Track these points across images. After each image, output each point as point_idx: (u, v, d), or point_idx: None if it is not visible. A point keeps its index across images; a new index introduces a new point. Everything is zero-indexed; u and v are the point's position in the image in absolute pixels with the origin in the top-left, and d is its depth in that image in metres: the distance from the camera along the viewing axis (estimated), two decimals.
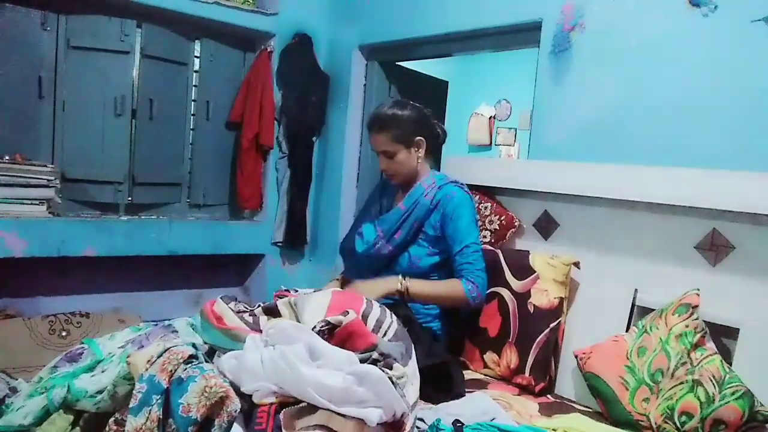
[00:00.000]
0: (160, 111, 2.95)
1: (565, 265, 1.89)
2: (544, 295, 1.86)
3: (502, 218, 2.16)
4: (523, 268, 1.93)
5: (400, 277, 1.83)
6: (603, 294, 1.88)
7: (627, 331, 1.75)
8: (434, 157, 2.09)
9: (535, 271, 1.90)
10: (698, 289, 1.64)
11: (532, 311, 1.86)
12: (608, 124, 2.06)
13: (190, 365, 1.13)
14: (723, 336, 1.64)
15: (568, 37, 2.17)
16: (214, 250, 3.07)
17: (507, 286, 1.93)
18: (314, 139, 3.33)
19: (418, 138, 1.93)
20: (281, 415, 1.07)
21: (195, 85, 3.12)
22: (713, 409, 1.45)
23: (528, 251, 1.98)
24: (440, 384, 1.64)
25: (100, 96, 2.78)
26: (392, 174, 1.96)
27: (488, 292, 1.95)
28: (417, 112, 1.94)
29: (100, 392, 1.21)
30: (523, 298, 1.89)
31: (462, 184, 1.96)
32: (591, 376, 1.67)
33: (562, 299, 1.86)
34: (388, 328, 1.35)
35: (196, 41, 3.09)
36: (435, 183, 1.94)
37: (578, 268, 1.91)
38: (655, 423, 1.53)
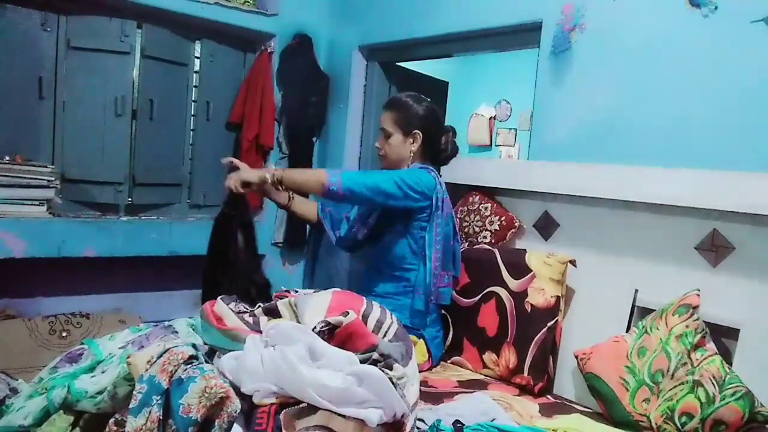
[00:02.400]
0: (161, 111, 2.95)
1: (561, 263, 1.89)
2: (540, 294, 1.86)
3: (502, 219, 2.16)
4: (519, 267, 1.93)
5: (273, 167, 1.85)
6: (603, 294, 1.88)
7: (627, 331, 1.75)
8: (436, 167, 2.10)
9: (531, 270, 1.90)
10: (698, 290, 1.64)
11: (529, 310, 1.86)
12: (608, 125, 2.06)
13: (190, 366, 1.13)
14: (723, 336, 1.64)
15: (568, 38, 2.17)
16: None
17: (504, 285, 1.93)
18: (314, 139, 3.33)
19: (416, 131, 1.98)
20: (281, 416, 1.07)
21: (195, 86, 3.12)
22: (713, 410, 1.45)
23: (525, 250, 1.99)
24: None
25: (100, 96, 2.78)
26: (382, 155, 2.04)
27: (486, 291, 1.96)
28: (428, 111, 2.00)
29: (100, 393, 1.21)
30: (520, 297, 1.89)
31: (432, 169, 1.98)
32: (591, 376, 1.67)
33: (558, 298, 1.86)
34: (389, 328, 1.35)
35: (197, 42, 3.09)
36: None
37: (575, 266, 1.91)
38: (656, 423, 1.53)
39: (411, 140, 1.98)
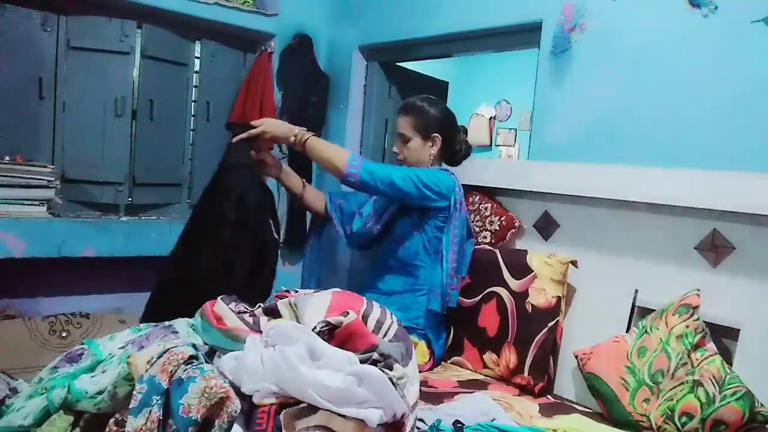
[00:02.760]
0: (161, 112, 2.95)
1: (563, 264, 1.89)
2: (541, 294, 1.86)
3: (502, 219, 2.16)
4: (520, 267, 1.93)
5: (303, 129, 1.85)
6: (603, 294, 1.88)
7: (627, 331, 1.75)
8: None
9: (532, 271, 1.90)
10: (698, 290, 1.64)
11: (530, 311, 1.86)
12: (609, 125, 2.06)
13: (190, 366, 1.13)
14: (723, 336, 1.64)
15: (569, 38, 2.17)
16: None
17: (505, 285, 1.93)
18: None
19: (435, 134, 1.98)
20: (281, 416, 1.07)
21: (195, 86, 3.12)
22: (714, 410, 1.45)
23: (526, 250, 1.99)
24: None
25: (100, 97, 2.78)
26: (401, 159, 2.02)
27: (486, 291, 1.96)
28: (444, 114, 2.02)
29: (100, 393, 1.21)
30: (521, 297, 1.89)
31: (452, 173, 2.01)
32: (591, 376, 1.67)
33: (559, 298, 1.86)
34: (389, 328, 1.35)
35: (197, 42, 3.09)
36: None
37: (576, 266, 1.91)
38: (656, 424, 1.53)
39: (430, 143, 1.99)
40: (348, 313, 1.26)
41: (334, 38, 3.29)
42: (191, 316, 1.41)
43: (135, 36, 2.83)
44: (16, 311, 2.62)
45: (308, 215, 3.31)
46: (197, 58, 3.10)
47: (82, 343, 1.44)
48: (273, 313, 1.36)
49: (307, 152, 1.83)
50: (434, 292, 1.91)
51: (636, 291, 1.81)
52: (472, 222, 2.24)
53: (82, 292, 2.87)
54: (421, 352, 1.88)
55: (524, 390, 1.83)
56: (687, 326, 1.58)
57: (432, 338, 1.95)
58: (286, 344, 1.15)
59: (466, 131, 2.12)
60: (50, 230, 2.53)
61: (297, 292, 1.52)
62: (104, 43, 2.76)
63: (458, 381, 1.87)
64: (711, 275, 1.69)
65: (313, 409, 1.08)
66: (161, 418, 1.07)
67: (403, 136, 1.99)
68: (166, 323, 1.46)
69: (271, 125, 1.85)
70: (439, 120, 1.99)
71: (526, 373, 1.82)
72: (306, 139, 1.82)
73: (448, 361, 2.04)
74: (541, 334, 1.82)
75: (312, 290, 1.47)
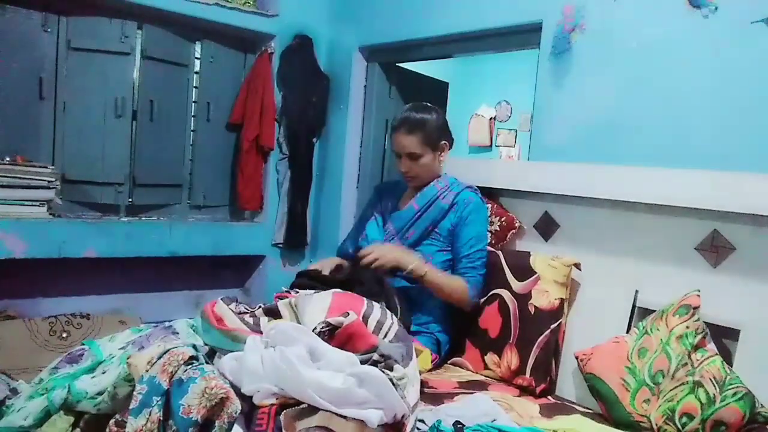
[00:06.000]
0: (161, 112, 2.96)
1: (566, 266, 1.89)
2: (544, 296, 1.86)
3: (502, 219, 2.16)
4: (523, 269, 1.92)
5: (420, 256, 1.85)
6: (604, 295, 1.88)
7: (628, 332, 1.75)
8: None
9: (535, 273, 1.90)
10: (699, 290, 1.64)
11: (532, 312, 1.86)
12: (609, 126, 2.06)
13: (190, 366, 1.13)
14: (724, 337, 1.64)
15: (569, 39, 2.17)
16: (214, 252, 3.07)
17: (508, 287, 1.93)
18: (315, 140, 3.33)
19: (443, 142, 1.97)
20: (282, 417, 1.07)
21: (195, 87, 3.12)
22: (714, 411, 1.45)
23: (529, 252, 1.98)
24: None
25: (100, 97, 2.78)
26: (413, 176, 1.98)
27: (489, 293, 1.97)
28: (442, 118, 1.99)
29: (100, 393, 1.21)
30: (523, 299, 1.89)
31: (476, 189, 2.02)
32: (592, 377, 1.67)
33: (562, 300, 1.86)
34: (389, 329, 1.35)
35: (197, 42, 3.09)
36: (449, 186, 1.98)
37: (579, 269, 1.91)
38: (656, 424, 1.53)
39: (440, 152, 1.97)
40: (348, 314, 1.26)
41: (334, 39, 3.29)
42: None
43: (135, 37, 2.83)
44: (17, 312, 2.63)
45: (309, 217, 3.33)
46: (197, 58, 3.11)
47: (83, 344, 1.45)
48: (273, 313, 1.36)
49: (425, 284, 1.83)
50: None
51: (636, 291, 1.81)
52: None
53: (83, 292, 2.88)
54: (424, 360, 1.86)
55: (525, 391, 1.83)
56: (687, 327, 1.58)
57: (443, 341, 1.94)
58: (286, 345, 1.15)
59: None
60: (51, 231, 2.54)
61: (297, 292, 1.52)
62: (105, 44, 2.76)
63: (458, 382, 1.87)
64: (711, 276, 1.68)
65: (313, 409, 1.08)
66: (161, 418, 1.07)
67: (413, 154, 1.93)
68: (167, 324, 1.46)
69: (386, 253, 1.79)
70: (441, 126, 1.97)
71: (527, 375, 1.82)
72: (425, 273, 1.81)
73: (449, 362, 2.04)
74: (543, 336, 1.82)
75: (312, 291, 1.47)
